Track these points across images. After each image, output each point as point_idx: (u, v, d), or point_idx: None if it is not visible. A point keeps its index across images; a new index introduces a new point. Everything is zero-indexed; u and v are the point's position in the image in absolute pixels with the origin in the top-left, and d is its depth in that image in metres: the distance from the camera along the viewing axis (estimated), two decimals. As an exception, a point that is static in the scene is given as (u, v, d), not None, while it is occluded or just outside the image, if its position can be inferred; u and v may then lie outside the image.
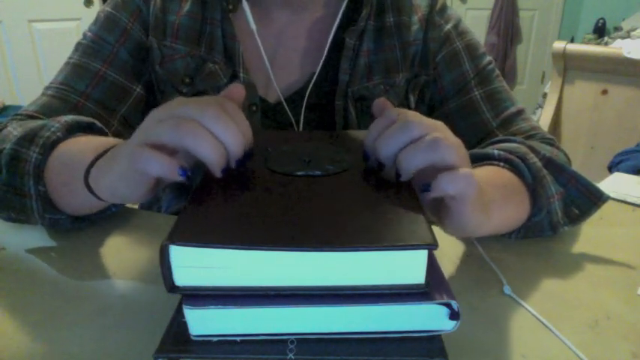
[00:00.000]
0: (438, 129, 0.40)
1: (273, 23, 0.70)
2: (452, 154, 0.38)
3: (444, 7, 0.73)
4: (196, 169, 0.41)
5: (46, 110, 0.63)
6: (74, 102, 0.64)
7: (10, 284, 0.48)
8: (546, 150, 0.57)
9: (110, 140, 0.50)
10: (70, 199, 0.51)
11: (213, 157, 0.37)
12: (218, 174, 0.38)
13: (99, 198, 0.46)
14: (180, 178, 0.37)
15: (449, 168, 0.38)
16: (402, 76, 0.70)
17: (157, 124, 0.38)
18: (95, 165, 0.45)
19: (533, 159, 0.54)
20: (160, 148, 0.38)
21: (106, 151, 0.46)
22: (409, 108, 0.72)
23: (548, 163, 0.56)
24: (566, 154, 0.64)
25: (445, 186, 0.38)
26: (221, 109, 0.38)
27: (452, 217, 0.41)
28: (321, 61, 0.68)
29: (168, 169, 0.37)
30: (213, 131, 0.37)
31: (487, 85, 0.70)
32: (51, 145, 0.51)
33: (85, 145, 0.50)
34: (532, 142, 0.61)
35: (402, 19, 0.70)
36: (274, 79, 0.68)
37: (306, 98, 0.68)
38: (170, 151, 0.39)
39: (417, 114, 0.42)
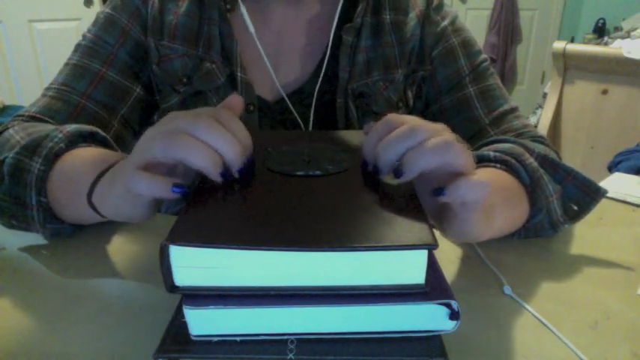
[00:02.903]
0: (445, 133, 0.39)
1: (272, 22, 0.70)
2: (463, 157, 0.37)
3: (440, 4, 0.73)
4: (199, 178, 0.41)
5: (47, 111, 0.63)
6: (75, 102, 0.64)
7: (10, 284, 0.48)
8: (540, 149, 0.57)
9: (111, 154, 0.50)
10: (72, 211, 0.51)
11: (207, 166, 0.37)
12: (218, 180, 0.38)
13: (103, 216, 0.46)
14: (175, 196, 0.37)
15: (458, 172, 0.37)
16: (400, 72, 0.70)
17: (151, 141, 0.38)
18: (98, 185, 0.45)
19: (529, 159, 0.53)
20: (157, 165, 0.38)
21: (108, 168, 0.46)
22: (407, 104, 0.72)
23: (544, 160, 0.55)
24: (557, 153, 0.64)
25: (464, 192, 0.37)
26: (213, 118, 0.38)
27: (455, 223, 0.41)
28: (326, 60, 0.68)
29: (160, 189, 0.37)
30: (205, 140, 0.37)
31: (481, 82, 0.70)
32: (54, 157, 0.51)
33: (88, 160, 0.50)
34: (524, 140, 0.61)
35: (399, 16, 0.70)
36: (275, 78, 0.68)
37: (315, 96, 0.68)
38: (168, 167, 0.39)
39: (419, 119, 0.41)
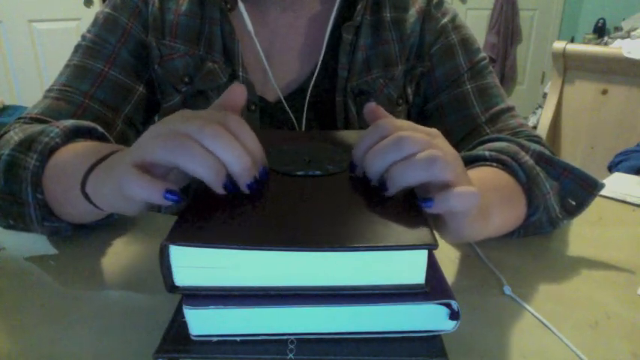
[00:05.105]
0: (433, 144, 0.38)
1: (271, 22, 0.70)
2: (448, 172, 0.36)
3: (441, 1, 0.73)
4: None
5: (50, 112, 0.62)
6: (78, 103, 0.64)
7: (10, 284, 0.48)
8: (535, 147, 0.57)
9: (107, 146, 0.49)
10: (70, 207, 0.50)
11: (208, 176, 0.35)
12: (220, 191, 0.36)
13: (97, 207, 0.45)
14: (168, 203, 0.36)
15: (444, 185, 0.37)
16: (400, 68, 0.70)
17: (153, 140, 0.37)
18: (92, 174, 0.44)
19: (525, 157, 0.53)
20: (155, 166, 0.37)
21: (103, 158, 0.44)
22: (407, 100, 0.72)
23: (539, 157, 0.55)
24: (552, 152, 0.64)
25: (451, 204, 0.36)
26: (222, 126, 0.36)
27: (449, 228, 0.41)
28: (320, 58, 0.68)
29: (152, 194, 0.35)
30: (211, 149, 0.35)
31: (479, 80, 0.70)
32: (49, 152, 0.50)
33: (83, 151, 0.48)
34: (519, 139, 0.61)
35: (400, 14, 0.70)
36: (273, 78, 0.68)
37: (308, 96, 0.68)
38: (165, 169, 0.37)
39: (411, 125, 0.40)
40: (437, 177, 0.36)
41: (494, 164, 0.53)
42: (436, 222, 0.43)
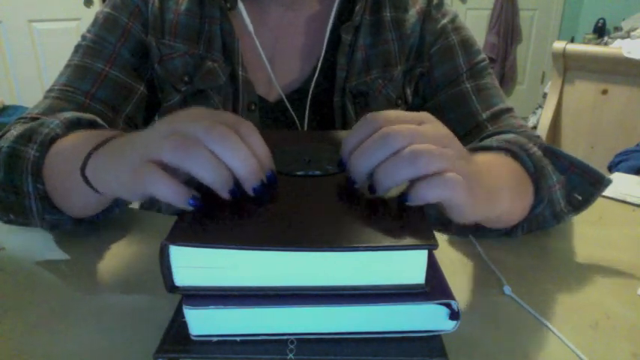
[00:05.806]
0: (420, 134, 0.36)
1: (271, 21, 0.70)
2: (434, 163, 0.35)
3: (441, 2, 0.73)
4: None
5: (51, 112, 0.62)
6: (79, 102, 0.64)
7: (10, 284, 0.48)
8: (541, 142, 0.57)
9: (106, 131, 0.49)
10: (70, 197, 0.50)
11: (214, 181, 0.35)
12: (225, 196, 0.36)
13: (96, 191, 0.44)
14: (189, 208, 0.36)
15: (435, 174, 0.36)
16: (399, 69, 0.70)
17: (160, 139, 0.36)
18: (92, 157, 0.43)
19: (533, 148, 0.53)
20: (164, 166, 0.36)
21: (103, 142, 0.44)
22: (406, 100, 0.72)
23: (547, 150, 0.55)
24: None
25: (424, 195, 0.35)
26: (230, 129, 0.36)
27: (451, 212, 0.39)
28: (321, 59, 0.68)
29: (177, 198, 0.35)
30: (217, 152, 0.35)
31: (478, 80, 0.70)
32: (49, 142, 0.50)
33: (83, 139, 0.48)
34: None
35: (400, 14, 0.70)
36: (274, 78, 0.68)
37: (309, 96, 0.68)
38: (173, 170, 0.37)
39: (399, 115, 0.39)
40: (422, 172, 0.35)
41: (503, 152, 0.53)
42: (440, 206, 0.41)
